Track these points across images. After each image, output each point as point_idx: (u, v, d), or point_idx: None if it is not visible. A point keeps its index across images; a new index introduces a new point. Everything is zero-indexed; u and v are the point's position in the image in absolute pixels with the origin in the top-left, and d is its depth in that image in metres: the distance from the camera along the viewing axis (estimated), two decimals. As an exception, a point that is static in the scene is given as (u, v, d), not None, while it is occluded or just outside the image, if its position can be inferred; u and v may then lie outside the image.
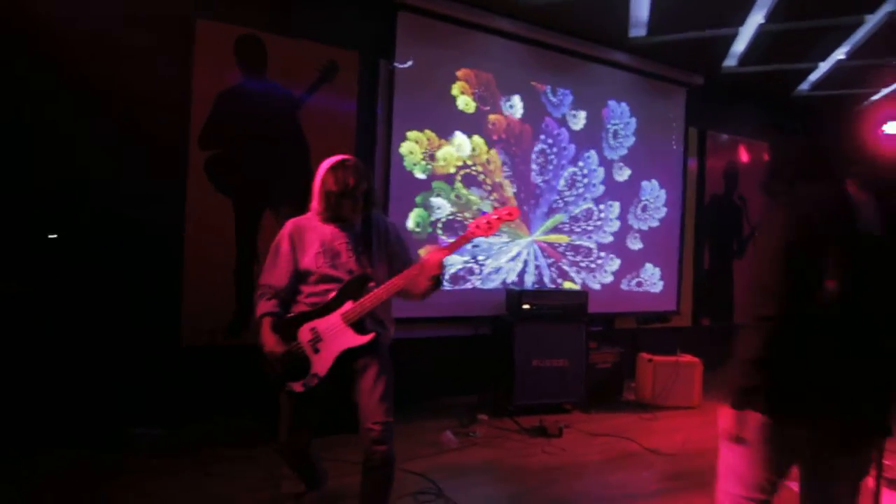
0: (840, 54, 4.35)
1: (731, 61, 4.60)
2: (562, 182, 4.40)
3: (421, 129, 3.76)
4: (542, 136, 4.29)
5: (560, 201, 4.40)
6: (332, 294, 1.92)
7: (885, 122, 5.42)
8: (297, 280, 1.98)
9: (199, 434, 2.92)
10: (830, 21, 3.83)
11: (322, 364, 1.90)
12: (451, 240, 3.84)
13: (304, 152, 3.42)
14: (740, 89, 5.22)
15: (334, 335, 1.90)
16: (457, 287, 3.98)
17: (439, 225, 3.87)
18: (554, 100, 4.34)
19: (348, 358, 1.92)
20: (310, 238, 1.96)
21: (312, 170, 2.06)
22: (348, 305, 1.90)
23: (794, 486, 1.52)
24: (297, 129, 3.40)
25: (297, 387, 1.91)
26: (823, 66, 4.61)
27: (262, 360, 1.92)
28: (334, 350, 1.90)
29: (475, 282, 4.05)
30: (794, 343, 1.33)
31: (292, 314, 1.96)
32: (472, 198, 4.00)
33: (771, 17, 3.80)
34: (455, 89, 3.91)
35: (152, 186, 3.02)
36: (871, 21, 3.79)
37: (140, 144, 2.95)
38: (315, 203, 1.97)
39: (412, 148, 3.74)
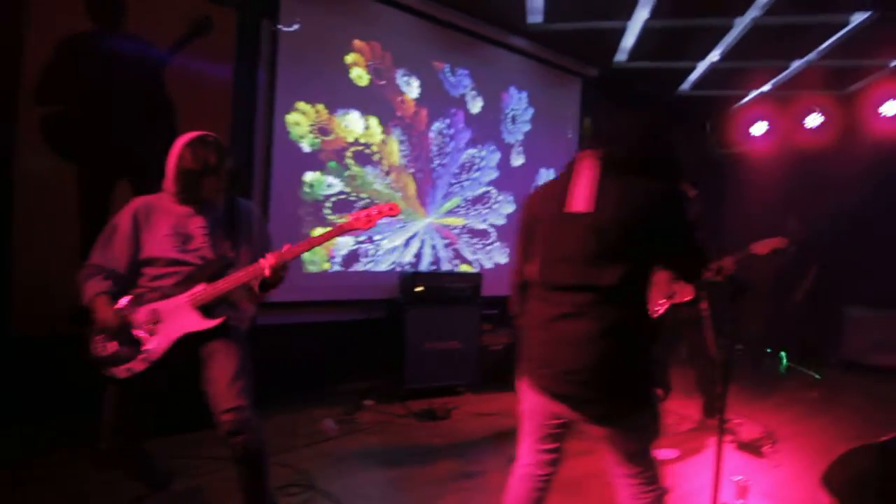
0: (714, 56, 4.71)
1: (622, 56, 4.81)
2: (459, 164, 4.37)
3: (310, 101, 3.52)
4: (440, 117, 4.21)
5: (457, 184, 4.37)
6: (179, 278, 1.77)
7: (752, 123, 5.93)
8: (137, 267, 1.79)
9: (35, 436, 2.54)
10: (705, 21, 4.11)
11: (155, 347, 1.73)
12: (340, 218, 3.69)
13: (170, 116, 3.06)
14: (631, 84, 5.49)
15: (176, 317, 1.74)
16: (349, 269, 3.82)
17: (328, 203, 3.66)
18: (452, 80, 4.27)
19: (191, 344, 1.75)
20: (159, 220, 1.78)
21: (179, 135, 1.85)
22: (199, 288, 1.76)
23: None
24: (162, 90, 3.02)
25: (121, 372, 1.72)
26: (701, 67, 4.96)
27: (90, 342, 1.75)
28: (173, 333, 1.73)
29: (369, 264, 3.91)
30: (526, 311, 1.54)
31: (132, 295, 1.78)
32: (366, 177, 3.83)
33: (655, 13, 4.00)
34: (348, 60, 3.70)
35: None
36: (740, 25, 4.11)
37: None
38: (169, 183, 1.78)
39: (298, 119, 3.49)
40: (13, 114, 2.64)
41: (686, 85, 5.42)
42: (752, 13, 3.90)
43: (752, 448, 3.04)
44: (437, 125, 4.19)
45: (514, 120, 4.73)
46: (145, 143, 2.97)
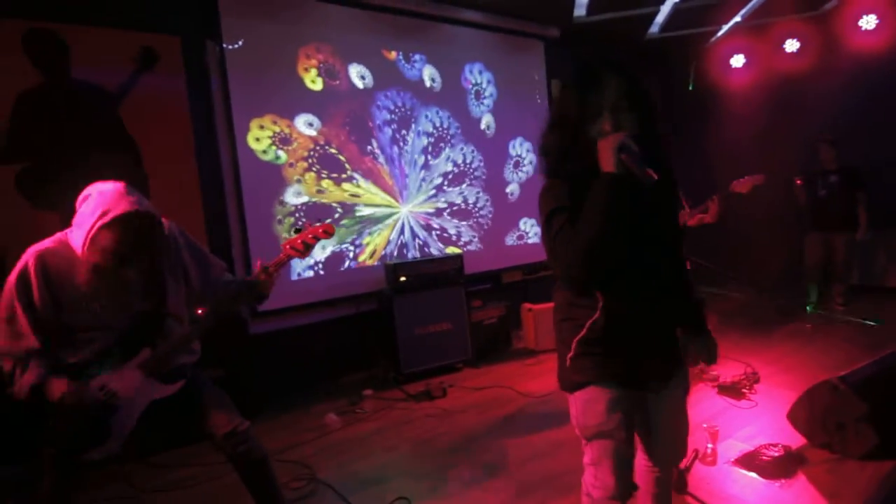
0: (675, -3, 4.57)
1: (580, 11, 4.71)
2: (426, 148, 4.40)
3: (266, 114, 3.59)
4: (400, 105, 4.22)
5: (428, 169, 4.42)
6: (114, 341, 1.65)
7: (731, 57, 5.77)
8: (58, 335, 1.59)
9: None
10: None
11: (124, 426, 1.66)
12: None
13: (133, 151, 3.18)
14: (596, 38, 5.38)
15: (134, 390, 1.65)
16: (337, 269, 3.97)
17: (303, 211, 3.78)
18: (408, 66, 4.27)
19: (155, 407, 1.72)
20: (67, 279, 1.56)
21: (146, 170, 1.78)
22: (145, 354, 1.66)
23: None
24: (119, 128, 3.14)
25: (96, 455, 1.62)
26: (664, 9, 4.83)
27: (54, 423, 1.59)
28: (136, 408, 1.67)
29: (357, 261, 4.05)
30: None
31: (72, 367, 1.61)
32: (334, 179, 3.93)
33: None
34: (299, 66, 3.74)
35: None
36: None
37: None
38: (81, 244, 1.53)
39: (258, 135, 3.57)
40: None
41: (654, 28, 5.28)
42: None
43: (732, 391, 3.15)
44: (397, 114, 4.22)
45: (477, 95, 4.72)
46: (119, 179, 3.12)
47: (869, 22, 4.88)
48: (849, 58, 5.23)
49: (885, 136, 4.99)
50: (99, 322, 1.63)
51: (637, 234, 1.24)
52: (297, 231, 1.80)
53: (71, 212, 1.60)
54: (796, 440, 2.47)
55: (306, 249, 1.78)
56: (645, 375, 1.33)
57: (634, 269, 1.26)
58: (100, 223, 1.51)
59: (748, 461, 2.34)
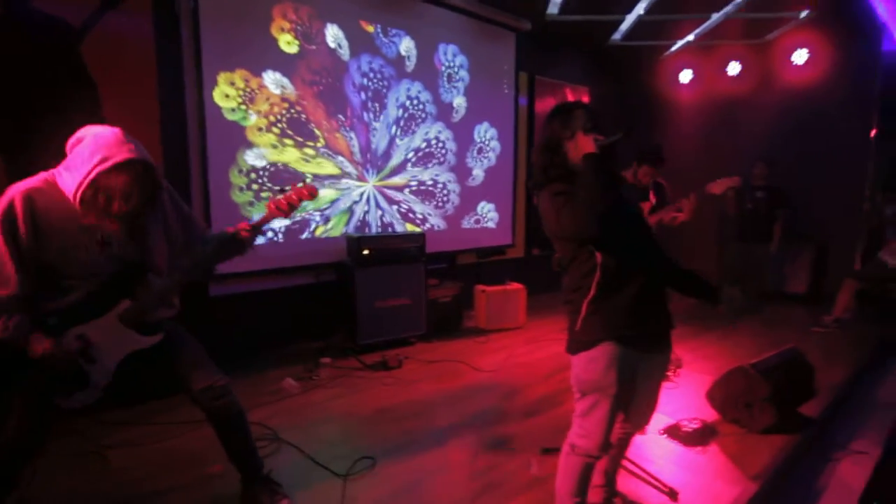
0: (640, 8, 4.88)
1: (553, 9, 4.90)
2: (395, 125, 4.45)
3: (237, 69, 3.48)
4: (373, 78, 4.23)
5: (396, 146, 4.47)
6: (96, 290, 1.63)
7: (680, 72, 6.25)
8: (41, 278, 1.55)
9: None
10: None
11: (102, 375, 1.68)
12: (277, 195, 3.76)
13: (92, 95, 2.98)
14: (565, 36, 5.62)
15: (111, 340, 1.66)
16: (298, 238, 3.95)
17: (265, 175, 3.71)
18: (385, 40, 4.27)
19: (133, 358, 1.74)
20: (55, 222, 1.52)
21: (105, 117, 1.69)
22: (124, 305, 1.67)
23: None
24: (80, 67, 2.93)
25: (76, 403, 1.65)
26: (629, 19, 5.13)
27: (34, 372, 1.58)
28: (115, 357, 1.69)
29: (316, 231, 4.05)
30: None
31: (48, 317, 1.59)
32: (300, 146, 3.89)
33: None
34: (275, 25, 3.63)
35: None
36: (661, -19, 4.28)
37: None
38: (74, 189, 1.48)
39: (227, 91, 3.46)
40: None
41: (617, 35, 5.60)
42: (672, -30, 4.06)
43: (659, 373, 3.55)
44: (371, 86, 4.22)
45: (449, 78, 4.80)
46: (70, 125, 2.93)
47: (801, 56, 5.46)
48: (780, 87, 5.85)
49: (804, 163, 5.66)
50: (82, 269, 1.60)
51: (621, 214, 1.59)
52: (282, 192, 1.78)
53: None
54: (711, 415, 2.88)
55: (290, 209, 1.77)
56: (644, 337, 1.58)
57: (623, 237, 1.58)
58: (99, 168, 1.45)
59: (672, 431, 2.70)
